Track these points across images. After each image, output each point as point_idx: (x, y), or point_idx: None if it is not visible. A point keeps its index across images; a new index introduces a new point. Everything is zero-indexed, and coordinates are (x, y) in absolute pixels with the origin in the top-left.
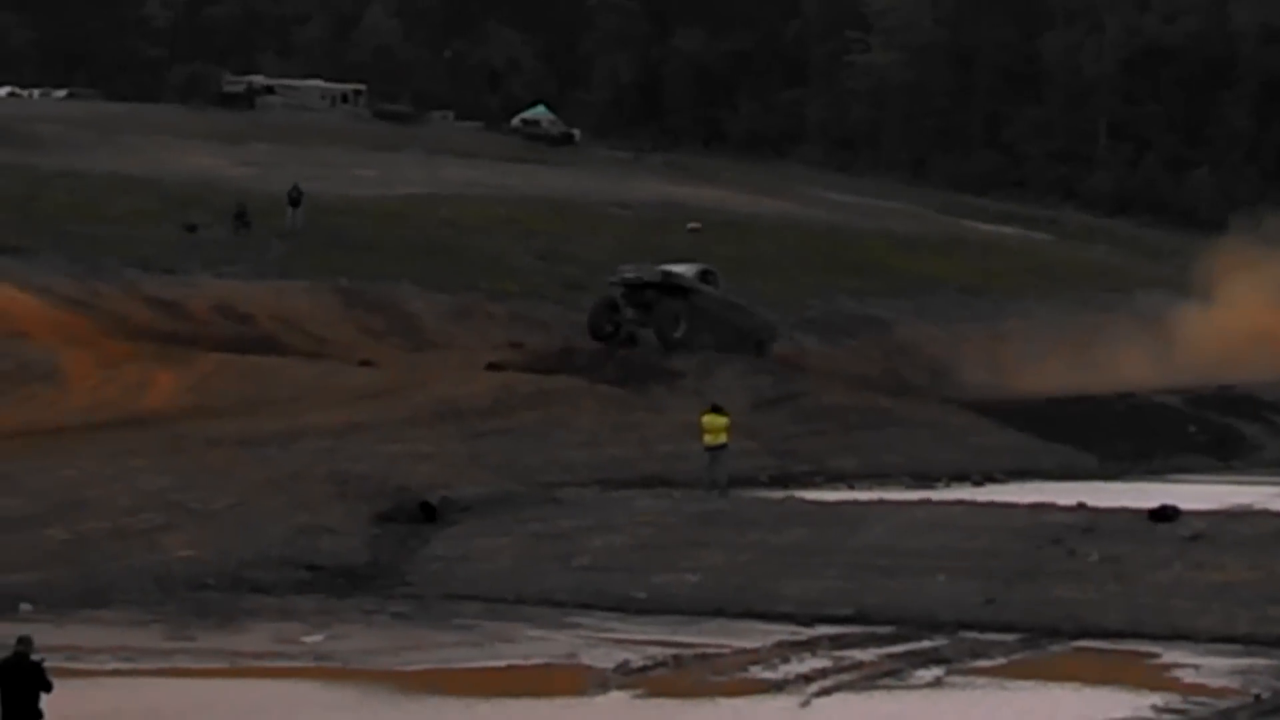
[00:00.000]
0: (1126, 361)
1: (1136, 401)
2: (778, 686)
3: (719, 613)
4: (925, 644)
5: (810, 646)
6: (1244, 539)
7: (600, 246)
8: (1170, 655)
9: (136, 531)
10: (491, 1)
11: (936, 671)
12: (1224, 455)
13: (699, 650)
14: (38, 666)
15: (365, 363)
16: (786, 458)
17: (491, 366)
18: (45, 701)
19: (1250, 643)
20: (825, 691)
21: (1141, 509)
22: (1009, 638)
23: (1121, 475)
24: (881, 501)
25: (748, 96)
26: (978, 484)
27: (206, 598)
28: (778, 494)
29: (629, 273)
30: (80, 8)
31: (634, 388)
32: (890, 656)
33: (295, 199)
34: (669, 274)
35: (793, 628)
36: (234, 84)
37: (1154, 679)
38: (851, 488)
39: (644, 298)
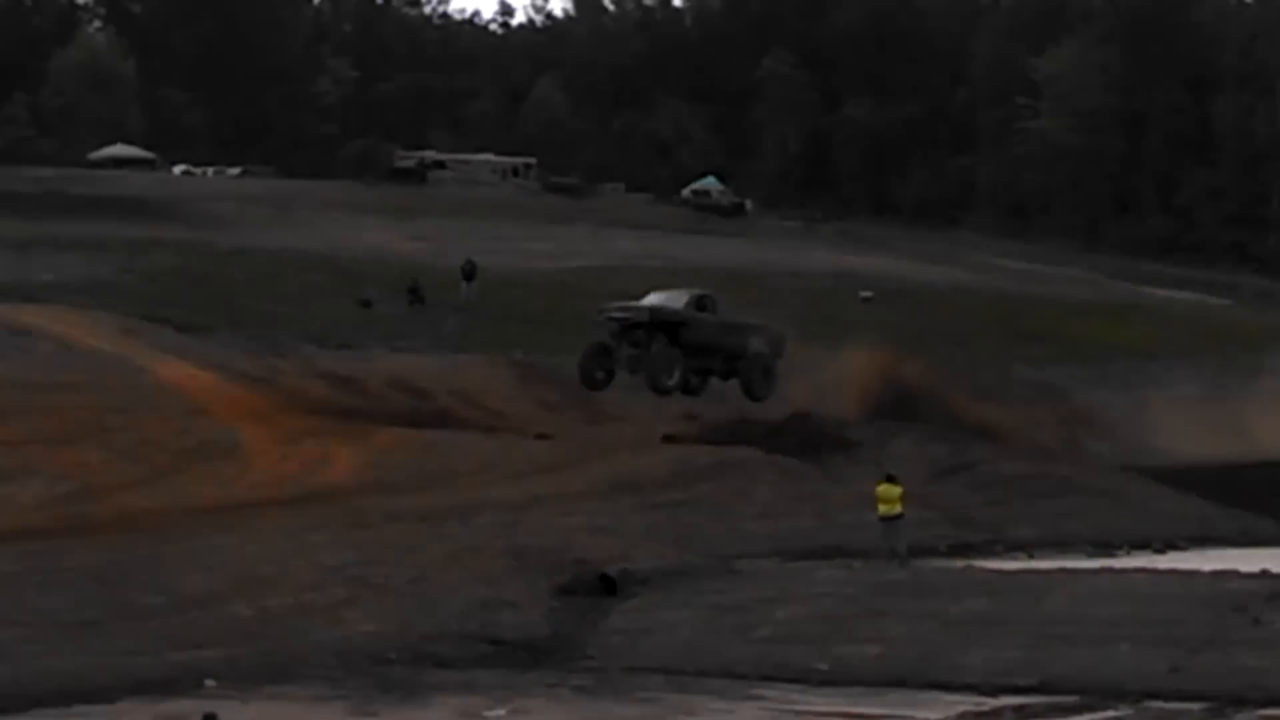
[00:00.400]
0: None
1: None
2: None
3: (901, 683)
4: (1110, 714)
5: (994, 717)
6: None
7: (773, 317)
8: None
9: (319, 607)
10: (660, 73)
11: None
12: None
13: None
14: None
15: (542, 436)
16: (965, 527)
17: (668, 439)
18: None
19: None
20: None
21: None
22: (1194, 706)
23: None
24: (1062, 570)
25: (918, 164)
26: (1159, 551)
27: (389, 672)
28: (957, 563)
29: (615, 312)
30: (253, 86)
31: (811, 458)
32: None
33: (469, 273)
34: (657, 311)
35: (976, 698)
36: (406, 159)
37: None
38: (1031, 556)
39: (635, 338)
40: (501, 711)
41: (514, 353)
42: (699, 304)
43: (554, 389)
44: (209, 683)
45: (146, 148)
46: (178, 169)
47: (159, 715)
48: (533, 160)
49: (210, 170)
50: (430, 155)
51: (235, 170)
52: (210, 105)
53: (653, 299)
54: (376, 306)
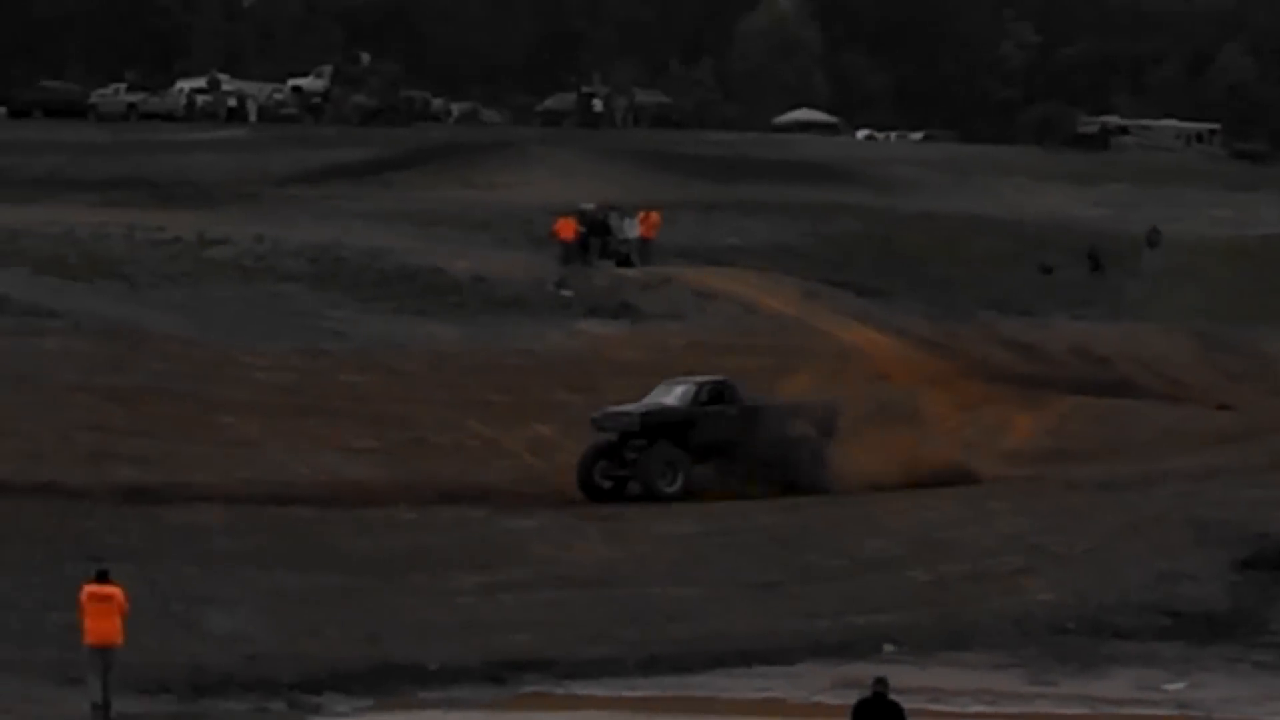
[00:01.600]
0: None
1: None
2: None
3: None
4: None
5: None
6: None
7: None
8: None
9: (995, 574)
10: None
11: None
12: None
13: None
14: (896, 707)
15: (1224, 406)
16: None
17: None
18: None
19: None
20: None
21: None
22: None
23: None
24: None
25: None
26: None
27: (1066, 642)
28: None
29: (607, 422)
30: (935, 51)
31: None
32: None
33: (1154, 240)
34: (650, 415)
35: None
36: (1088, 124)
37: None
38: None
39: (635, 445)
40: (1180, 685)
41: (1196, 321)
42: (714, 393)
43: (1237, 359)
44: (888, 647)
45: (830, 112)
46: (861, 133)
47: (837, 678)
48: (1217, 126)
49: (893, 135)
50: (1113, 121)
51: (917, 135)
52: (892, 70)
53: (658, 393)
54: (1057, 273)
